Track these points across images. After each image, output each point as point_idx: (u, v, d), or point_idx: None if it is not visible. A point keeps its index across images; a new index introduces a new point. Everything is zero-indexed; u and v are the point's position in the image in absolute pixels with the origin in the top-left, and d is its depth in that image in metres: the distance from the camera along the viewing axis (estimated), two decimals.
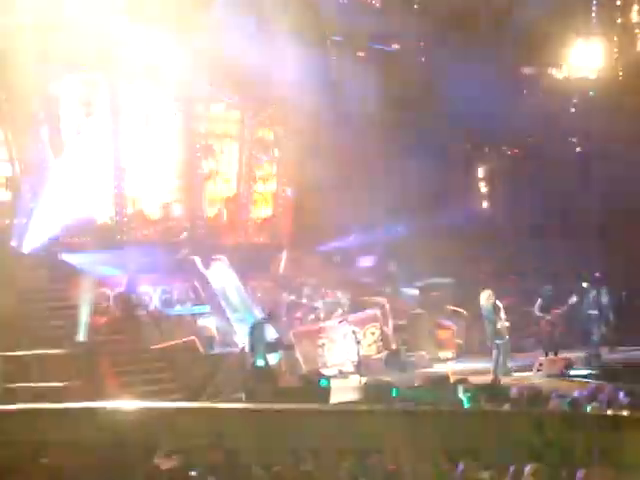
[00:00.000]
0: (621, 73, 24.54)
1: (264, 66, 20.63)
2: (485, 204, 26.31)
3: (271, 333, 16.32)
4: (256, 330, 15.59)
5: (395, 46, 23.47)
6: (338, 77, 21.89)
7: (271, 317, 16.44)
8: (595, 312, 20.05)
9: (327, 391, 13.38)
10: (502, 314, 17.61)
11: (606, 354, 19.32)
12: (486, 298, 17.64)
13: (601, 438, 6.92)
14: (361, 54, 22.42)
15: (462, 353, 20.97)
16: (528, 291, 23.39)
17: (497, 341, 17.40)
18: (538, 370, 17.72)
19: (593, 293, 20.50)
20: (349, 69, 22.73)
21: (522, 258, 23.58)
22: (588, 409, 10.06)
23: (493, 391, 13.01)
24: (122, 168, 19.27)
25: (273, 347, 15.78)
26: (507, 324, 17.80)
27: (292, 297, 19.51)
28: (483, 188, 26.76)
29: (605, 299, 20.31)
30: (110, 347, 15.81)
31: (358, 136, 23.77)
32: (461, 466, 6.86)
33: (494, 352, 17.47)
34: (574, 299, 20.56)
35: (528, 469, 6.52)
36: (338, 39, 21.87)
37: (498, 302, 17.74)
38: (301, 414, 7.90)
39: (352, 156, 23.17)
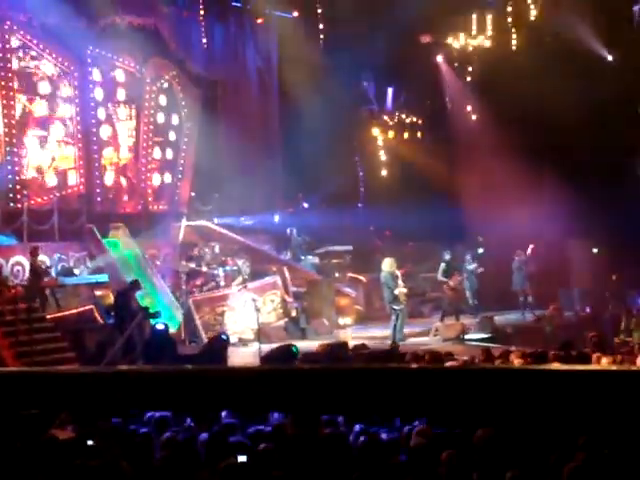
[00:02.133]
0: (515, 41, 24.98)
1: (165, 32, 20.42)
2: (384, 172, 26.57)
3: (137, 300, 16.08)
4: (120, 298, 15.48)
5: (295, 13, 23.43)
6: (237, 43, 21.74)
7: (136, 285, 16.12)
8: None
9: (224, 347, 13.31)
10: (400, 281, 17.86)
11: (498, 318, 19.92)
12: (389, 265, 17.86)
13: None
14: (259, 21, 22.29)
15: (361, 319, 21.25)
16: (427, 257, 23.88)
17: (395, 307, 17.65)
18: (435, 335, 18.11)
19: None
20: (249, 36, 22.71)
21: (419, 225, 23.97)
22: None
23: (390, 356, 13.28)
24: (16, 134, 18.78)
25: (144, 315, 15.44)
26: (405, 290, 18.08)
27: (192, 265, 19.37)
28: (383, 156, 27.02)
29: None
30: (6, 317, 15.43)
31: (259, 102, 23.78)
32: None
33: (392, 318, 17.72)
34: (473, 265, 21.13)
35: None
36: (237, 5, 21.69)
37: (397, 270, 18.00)
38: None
39: (254, 122, 23.16)
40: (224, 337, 13.17)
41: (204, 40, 22.00)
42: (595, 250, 25.46)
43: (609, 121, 24.63)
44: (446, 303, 20.32)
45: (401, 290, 17.71)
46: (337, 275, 22.12)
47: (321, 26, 24.45)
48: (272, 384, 3.60)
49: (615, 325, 17.22)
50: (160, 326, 14.74)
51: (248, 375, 3.89)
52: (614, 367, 5.02)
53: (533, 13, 24.16)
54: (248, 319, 17.92)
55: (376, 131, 26.57)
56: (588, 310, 19.63)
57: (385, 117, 27.01)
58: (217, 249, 20.05)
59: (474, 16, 24.68)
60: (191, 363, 12.93)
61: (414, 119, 27.26)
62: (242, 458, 5.19)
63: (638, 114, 27.09)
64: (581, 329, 16.42)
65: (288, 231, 22.77)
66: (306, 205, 24.24)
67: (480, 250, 24.26)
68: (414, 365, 6.17)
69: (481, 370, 4.15)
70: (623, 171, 26.19)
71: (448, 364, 10.67)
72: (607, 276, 24.60)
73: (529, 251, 22.76)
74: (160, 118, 21.85)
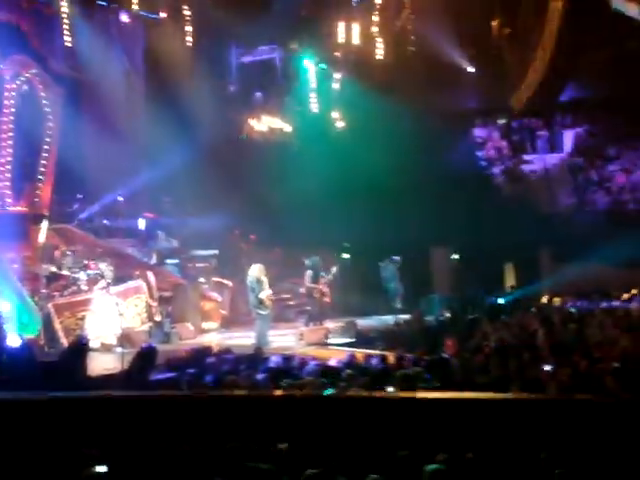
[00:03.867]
0: (381, 50, 25.47)
1: (26, 29, 19.85)
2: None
3: None
4: None
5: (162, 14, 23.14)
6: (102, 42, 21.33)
7: None
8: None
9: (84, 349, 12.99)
10: (266, 285, 17.92)
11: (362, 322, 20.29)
12: (257, 270, 17.89)
13: None
14: (126, 20, 21.91)
15: (227, 324, 21.22)
16: (293, 262, 24.06)
17: (260, 312, 17.70)
18: (300, 340, 18.25)
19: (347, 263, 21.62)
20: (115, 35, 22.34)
21: (287, 229, 24.14)
22: (344, 374, 10.51)
23: (255, 361, 13.30)
24: None
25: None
26: (269, 292, 18.15)
27: (52, 268, 18.84)
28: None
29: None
30: None
31: (125, 102, 23.44)
32: None
33: (257, 323, 17.77)
34: (335, 270, 21.42)
35: None
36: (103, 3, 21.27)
37: (263, 277, 18.04)
38: None
39: (119, 122, 22.80)
40: (83, 341, 12.86)
41: (68, 38, 21.46)
42: (455, 256, 26.31)
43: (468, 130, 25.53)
44: (315, 308, 20.49)
45: (266, 295, 17.77)
46: (202, 279, 21.97)
47: (189, 28, 24.25)
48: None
49: (473, 330, 17.76)
50: (14, 340, 14.21)
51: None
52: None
53: (398, 24, 24.69)
54: (111, 324, 17.59)
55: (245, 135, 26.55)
56: (447, 315, 20.19)
57: (253, 120, 27.03)
58: (79, 252, 19.56)
59: (341, 23, 24.99)
60: (49, 370, 12.60)
61: (282, 123, 27.39)
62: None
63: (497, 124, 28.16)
64: (440, 334, 16.90)
65: (158, 234, 22.40)
66: (171, 209, 23.98)
67: (346, 255, 24.68)
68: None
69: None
70: (482, 180, 27.18)
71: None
72: (465, 282, 25.46)
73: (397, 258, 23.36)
74: (20, 117, 21.15)
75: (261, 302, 17.67)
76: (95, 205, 22.41)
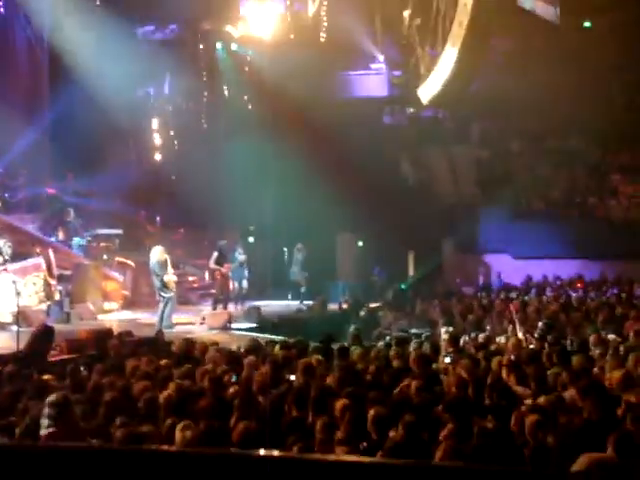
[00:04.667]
0: (292, 35, 25.44)
1: None
2: (158, 156, 26.21)
3: None
4: None
5: None
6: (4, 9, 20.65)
7: None
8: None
9: None
10: (169, 268, 17.73)
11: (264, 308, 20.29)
12: (158, 253, 17.67)
13: None
14: None
15: (128, 305, 20.91)
16: (197, 244, 23.91)
17: (164, 294, 17.52)
18: (201, 324, 18.13)
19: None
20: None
21: (190, 211, 23.94)
22: (245, 362, 10.48)
23: (155, 344, 13.18)
24: None
25: None
26: (174, 278, 17.98)
27: None
28: (157, 140, 26.63)
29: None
30: None
31: (28, 72, 22.87)
32: None
33: (160, 305, 17.58)
34: (243, 255, 21.35)
35: None
36: None
37: (167, 257, 17.84)
38: None
39: (21, 93, 22.23)
40: None
41: None
42: (360, 243, 26.52)
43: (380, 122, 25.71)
44: (218, 291, 20.39)
45: (170, 278, 17.59)
46: (105, 259, 21.59)
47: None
48: None
49: (374, 318, 17.99)
50: None
51: None
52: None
53: (311, 10, 24.64)
54: (7, 302, 17.13)
55: (152, 114, 26.14)
56: (347, 303, 20.36)
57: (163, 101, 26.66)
58: None
59: (253, 5, 24.81)
60: None
61: (192, 106, 27.09)
62: None
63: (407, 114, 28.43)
64: (343, 321, 17.07)
65: (69, 211, 21.84)
66: (77, 187, 23.45)
67: (250, 239, 24.61)
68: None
69: None
70: (389, 168, 27.42)
71: None
72: (370, 269, 25.71)
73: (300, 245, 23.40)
74: None
75: (165, 285, 17.48)
76: None
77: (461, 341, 13.03)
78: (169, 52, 24.55)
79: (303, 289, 22.88)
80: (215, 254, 20.26)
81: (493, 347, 12.18)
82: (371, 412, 7.07)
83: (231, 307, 20.16)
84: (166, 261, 17.59)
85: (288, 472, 3.38)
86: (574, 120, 26.39)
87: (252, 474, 3.34)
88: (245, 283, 21.61)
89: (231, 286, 20.98)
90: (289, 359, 10.93)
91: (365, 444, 6.71)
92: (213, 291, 21.10)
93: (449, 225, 26.36)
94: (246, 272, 21.66)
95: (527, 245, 24.45)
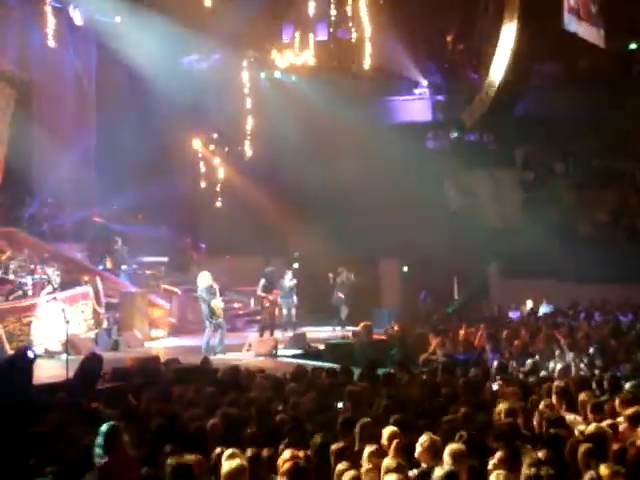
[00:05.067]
0: (336, 62, 25.65)
1: None
2: (203, 184, 26.40)
3: None
4: None
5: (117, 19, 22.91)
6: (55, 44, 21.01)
7: None
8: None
9: (30, 364, 12.78)
10: (217, 294, 17.82)
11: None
12: (204, 279, 17.77)
13: None
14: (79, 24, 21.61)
15: (175, 332, 21.04)
16: (243, 271, 23.98)
17: (212, 320, 17.60)
18: (248, 350, 18.14)
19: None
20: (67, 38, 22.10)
21: (235, 238, 24.05)
22: (291, 389, 10.46)
23: (202, 372, 13.19)
24: None
25: None
26: (221, 304, 18.05)
27: None
28: (202, 168, 26.84)
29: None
30: None
31: (76, 105, 23.20)
32: None
33: (206, 331, 17.64)
34: (292, 281, 21.36)
35: None
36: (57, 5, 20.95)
37: (214, 284, 17.94)
38: None
39: (69, 125, 22.56)
40: (31, 355, 12.60)
41: (19, 39, 21.20)
42: (405, 269, 26.42)
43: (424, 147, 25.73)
44: (265, 318, 20.45)
45: (217, 304, 17.67)
46: (151, 286, 21.77)
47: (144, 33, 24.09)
48: None
49: (421, 344, 17.84)
50: None
51: None
52: None
53: (354, 36, 24.76)
54: (56, 330, 17.33)
55: (197, 143, 26.39)
56: (396, 328, 20.23)
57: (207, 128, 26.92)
58: (26, 256, 19.24)
59: (297, 34, 25.04)
60: None
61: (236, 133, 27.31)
62: None
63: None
64: (389, 347, 16.96)
65: (116, 240, 22.09)
66: (122, 215, 23.73)
67: (295, 265, 24.65)
68: None
69: None
70: (433, 193, 27.29)
71: None
72: (415, 294, 25.59)
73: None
74: None
75: (212, 311, 17.56)
76: (43, 208, 22.15)
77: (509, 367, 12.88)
78: (213, 80, 24.83)
79: (344, 314, 22.81)
80: (262, 281, 20.35)
81: (541, 373, 12.02)
82: (423, 439, 7.00)
83: (278, 334, 20.17)
84: (212, 287, 17.67)
85: None
86: (621, 140, 26.14)
87: None
88: (293, 310, 21.61)
89: (277, 312, 21.03)
90: (335, 386, 10.91)
91: (415, 472, 6.65)
92: (259, 317, 21.12)
93: (494, 249, 26.15)
94: (295, 298, 21.66)
95: (573, 269, 24.14)
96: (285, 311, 21.40)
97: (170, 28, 20.91)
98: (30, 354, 12.37)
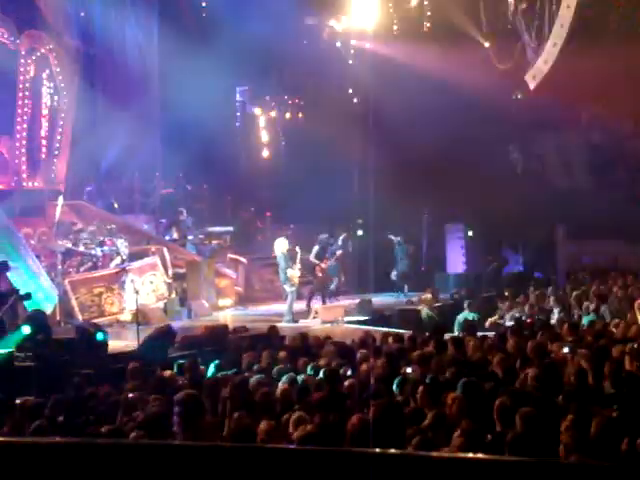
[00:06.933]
0: (396, 27, 25.35)
1: (41, 4, 19.78)
2: (266, 153, 26.50)
3: (8, 281, 15.68)
4: None
5: None
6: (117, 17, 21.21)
7: (4, 265, 15.62)
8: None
9: (104, 345, 13.14)
10: (296, 262, 17.95)
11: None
12: (280, 245, 17.95)
13: None
14: None
15: (241, 301, 21.24)
16: (309, 239, 24.02)
17: (288, 288, 17.76)
18: (314, 317, 18.25)
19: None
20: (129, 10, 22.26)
21: (299, 207, 24.09)
22: (357, 355, 10.49)
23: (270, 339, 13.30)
24: None
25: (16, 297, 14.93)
26: (298, 273, 18.14)
27: (68, 244, 18.89)
28: (264, 137, 26.95)
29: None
30: None
31: (139, 77, 23.38)
32: None
33: (288, 298, 17.87)
34: (339, 249, 21.20)
35: None
36: None
37: (297, 248, 18.09)
38: None
39: (133, 98, 22.76)
40: (100, 337, 12.94)
41: (82, 13, 21.42)
42: (470, 233, 26.20)
43: (488, 109, 25.30)
44: (318, 285, 20.39)
45: (293, 273, 17.78)
46: (217, 256, 21.97)
47: (204, 3, 24.22)
48: None
49: (488, 307, 17.76)
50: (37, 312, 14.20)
51: None
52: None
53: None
54: (126, 300, 17.66)
55: (258, 111, 26.45)
56: (463, 293, 20.13)
57: (267, 97, 26.95)
58: (95, 228, 19.57)
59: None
60: (65, 348, 12.67)
61: (296, 100, 27.31)
62: None
63: None
64: (455, 312, 16.89)
65: (183, 211, 22.34)
66: (189, 187, 23.97)
67: (360, 232, 24.59)
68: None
69: None
70: (496, 156, 26.95)
71: None
72: (481, 259, 25.38)
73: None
74: (35, 92, 21.13)
75: (288, 279, 17.70)
76: (111, 181, 22.48)
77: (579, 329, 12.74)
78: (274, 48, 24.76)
79: (406, 281, 22.68)
80: (316, 248, 20.28)
81: (612, 334, 11.86)
82: (496, 403, 6.97)
83: (329, 301, 20.10)
84: (289, 253, 17.78)
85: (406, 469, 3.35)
86: None
87: (368, 471, 3.31)
88: (336, 279, 21.26)
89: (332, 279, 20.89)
90: (403, 351, 10.93)
91: (490, 436, 6.63)
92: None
93: (561, 211, 25.76)
94: (339, 265, 21.29)
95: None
96: (335, 279, 21.16)
97: None
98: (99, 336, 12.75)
